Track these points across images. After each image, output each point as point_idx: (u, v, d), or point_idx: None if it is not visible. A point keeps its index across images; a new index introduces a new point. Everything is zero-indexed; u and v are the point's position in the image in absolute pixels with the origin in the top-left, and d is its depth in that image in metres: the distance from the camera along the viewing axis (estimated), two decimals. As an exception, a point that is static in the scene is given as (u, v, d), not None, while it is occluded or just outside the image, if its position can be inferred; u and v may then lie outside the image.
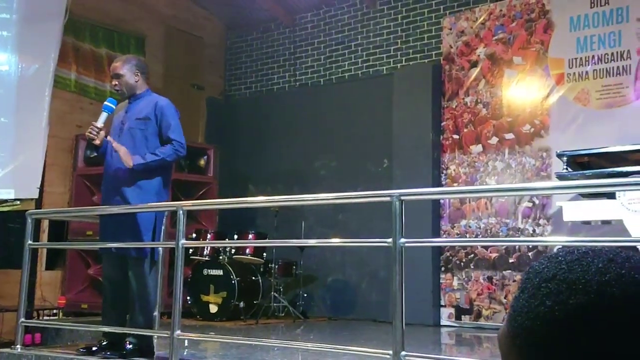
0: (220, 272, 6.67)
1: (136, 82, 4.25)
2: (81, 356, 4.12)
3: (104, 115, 4.25)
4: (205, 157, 7.83)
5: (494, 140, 6.61)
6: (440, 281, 6.68)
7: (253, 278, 6.85)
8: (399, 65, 7.56)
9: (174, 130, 4.15)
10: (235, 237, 6.85)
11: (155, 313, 4.23)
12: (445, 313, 6.62)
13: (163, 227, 4.31)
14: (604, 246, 0.77)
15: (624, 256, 0.73)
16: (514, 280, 6.20)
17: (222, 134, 8.63)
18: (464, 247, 6.54)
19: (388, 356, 3.18)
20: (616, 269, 0.71)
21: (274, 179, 8.07)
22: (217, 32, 9.04)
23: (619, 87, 5.95)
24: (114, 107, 4.27)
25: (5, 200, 6.00)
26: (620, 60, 5.96)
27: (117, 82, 4.26)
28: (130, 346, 4.05)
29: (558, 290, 0.72)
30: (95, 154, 4.45)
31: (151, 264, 4.13)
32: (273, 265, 6.86)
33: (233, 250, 6.89)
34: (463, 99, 6.83)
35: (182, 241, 3.97)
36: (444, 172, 6.85)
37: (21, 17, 6.22)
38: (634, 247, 3.05)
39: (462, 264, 6.58)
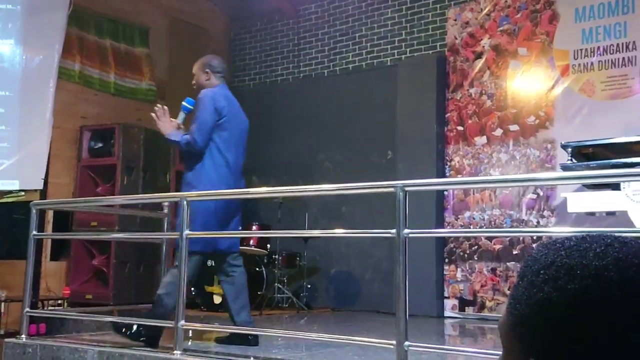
0: (224, 263, 6.67)
1: (207, 80, 4.39)
2: (83, 345, 4.15)
3: (181, 115, 4.41)
4: (210, 148, 7.82)
5: (499, 131, 6.59)
6: (444, 273, 6.68)
7: (257, 269, 6.86)
8: (403, 56, 7.54)
9: (196, 125, 4.24)
10: (239, 228, 6.84)
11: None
12: (449, 304, 6.62)
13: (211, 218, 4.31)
14: (602, 232, 0.77)
15: (621, 241, 0.73)
16: (517, 273, 6.20)
17: (226, 125, 8.61)
18: (468, 239, 6.54)
19: (391, 347, 3.19)
20: (614, 253, 0.71)
21: (278, 170, 8.07)
22: (221, 24, 9.03)
23: (624, 78, 5.92)
24: (190, 107, 4.38)
25: (10, 191, 6.02)
26: (626, 51, 5.93)
27: (194, 82, 4.46)
28: (134, 329, 4.11)
29: (556, 276, 0.72)
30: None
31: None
32: (277, 256, 6.87)
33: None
34: (467, 90, 6.81)
35: (186, 232, 3.99)
36: (448, 163, 6.84)
37: (25, 8, 6.22)
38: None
39: (465, 255, 6.58)
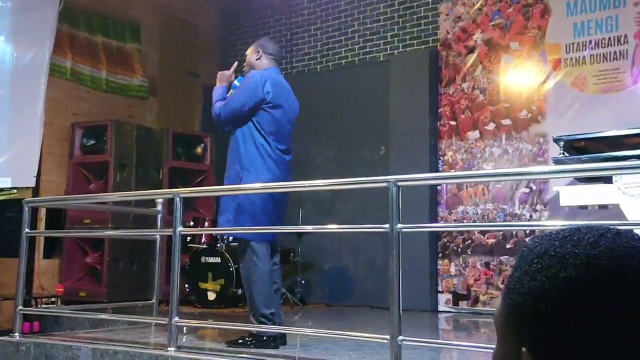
0: (218, 260, 6.68)
1: (257, 59, 4.24)
2: (77, 342, 4.14)
3: None
4: (202, 145, 7.82)
5: (491, 126, 6.60)
6: (438, 267, 6.70)
7: (251, 265, 6.85)
8: (395, 51, 7.54)
9: (229, 100, 4.12)
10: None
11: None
12: (443, 299, 6.64)
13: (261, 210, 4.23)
14: (597, 224, 0.78)
15: (614, 232, 0.74)
16: (511, 266, 6.21)
17: (218, 121, 8.60)
18: (461, 233, 6.55)
19: (385, 341, 3.20)
20: (606, 243, 0.72)
21: (271, 166, 8.04)
22: (212, 19, 9.00)
23: (616, 72, 5.94)
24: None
25: (2, 189, 6.00)
26: (617, 45, 5.95)
27: (245, 63, 4.33)
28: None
29: (549, 264, 0.73)
30: None
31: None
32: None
33: (231, 238, 6.88)
34: (460, 85, 6.81)
35: (180, 228, 3.98)
36: (441, 158, 6.85)
37: (16, 5, 6.19)
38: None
39: (459, 250, 6.59)
